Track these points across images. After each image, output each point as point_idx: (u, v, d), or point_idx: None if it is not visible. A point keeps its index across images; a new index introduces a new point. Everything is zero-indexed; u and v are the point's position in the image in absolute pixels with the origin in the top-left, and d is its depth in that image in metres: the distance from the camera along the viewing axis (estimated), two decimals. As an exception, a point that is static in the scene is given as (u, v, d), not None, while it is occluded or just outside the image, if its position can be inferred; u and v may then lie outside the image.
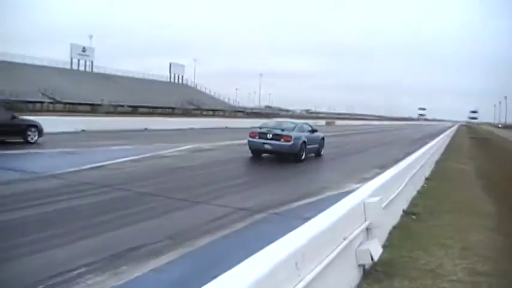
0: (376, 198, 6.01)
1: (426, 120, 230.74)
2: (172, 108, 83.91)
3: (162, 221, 7.81)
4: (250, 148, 17.86)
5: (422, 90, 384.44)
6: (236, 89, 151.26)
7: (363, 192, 6.28)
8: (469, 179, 16.40)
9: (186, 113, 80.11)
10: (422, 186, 12.82)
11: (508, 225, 9.75)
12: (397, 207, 8.48)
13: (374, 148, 27.95)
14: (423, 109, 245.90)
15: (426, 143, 21.40)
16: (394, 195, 7.99)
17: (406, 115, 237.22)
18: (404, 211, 9.11)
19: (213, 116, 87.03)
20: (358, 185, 9.69)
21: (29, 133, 18.98)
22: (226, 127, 42.29)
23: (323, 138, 20.47)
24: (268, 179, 13.01)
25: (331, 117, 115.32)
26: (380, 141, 36.17)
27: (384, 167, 13.97)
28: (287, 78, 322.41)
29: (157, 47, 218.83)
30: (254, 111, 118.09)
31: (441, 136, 33.05)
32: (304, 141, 17.53)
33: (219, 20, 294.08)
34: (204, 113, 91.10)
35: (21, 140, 18.56)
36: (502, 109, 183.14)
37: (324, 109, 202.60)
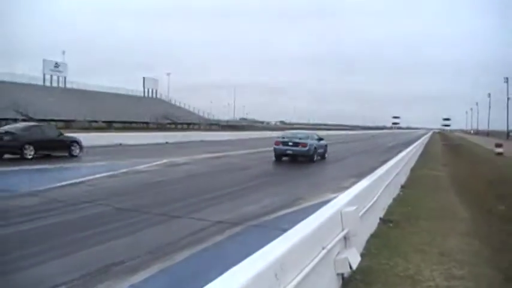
0: (353, 207, 6.07)
1: (400, 128, 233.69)
2: (147, 123, 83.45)
3: (140, 237, 7.75)
4: (275, 153, 22.66)
5: (396, 98, 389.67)
6: (211, 102, 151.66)
7: (340, 202, 6.34)
8: (444, 185, 16.67)
9: (160, 127, 79.74)
10: (398, 194, 12.99)
11: (482, 230, 9.96)
12: (374, 215, 8.56)
13: (350, 158, 28.20)
14: (397, 117, 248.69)
15: (401, 151, 21.68)
16: (370, 203, 8.07)
17: (380, 124, 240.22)
18: (381, 219, 9.22)
19: (188, 129, 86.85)
20: (335, 195, 9.75)
21: (73, 148, 22.12)
22: (201, 140, 42.15)
23: (326, 145, 25.46)
24: (246, 191, 12.99)
25: (305, 128, 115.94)
26: (355, 150, 36.51)
27: (360, 176, 14.07)
28: (261, 90, 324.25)
29: (131, 61, 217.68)
30: (229, 123, 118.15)
31: (415, 144, 33.53)
32: (315, 147, 22.87)
33: (192, 34, 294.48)
34: (179, 126, 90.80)
35: (66, 154, 21.58)
36: (474, 116, 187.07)
37: (298, 120, 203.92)
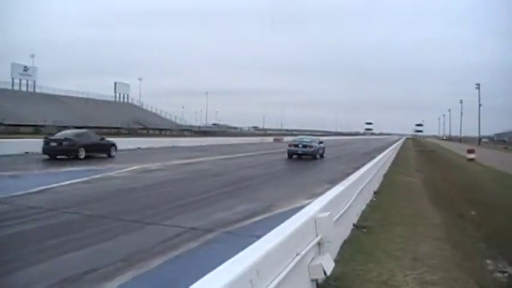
0: (326, 213, 6.13)
1: (373, 134, 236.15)
2: (118, 128, 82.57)
3: (113, 244, 7.66)
4: (288, 152, 30.59)
5: (368, 105, 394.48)
6: (183, 107, 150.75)
7: (314, 208, 6.38)
8: (417, 190, 16.96)
9: (132, 132, 79.05)
10: (372, 200, 13.14)
11: (454, 235, 10.18)
12: (347, 221, 8.65)
13: (323, 164, 28.37)
14: (370, 123, 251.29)
15: (374, 157, 21.95)
16: (344, 209, 8.16)
17: (353, 130, 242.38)
18: (354, 225, 9.32)
19: (159, 135, 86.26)
20: (308, 201, 9.81)
21: (111, 150, 27.17)
22: (173, 146, 41.93)
23: (324, 147, 33.65)
24: (219, 198, 12.96)
25: (279, 134, 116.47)
26: (327, 156, 36.76)
27: (333, 182, 14.21)
28: (234, 96, 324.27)
29: (102, 65, 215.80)
30: (202, 129, 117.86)
31: (388, 150, 33.95)
32: (317, 149, 31.07)
33: (164, 39, 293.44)
34: (151, 132, 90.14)
35: (106, 155, 26.39)
36: (447, 122, 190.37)
37: (271, 126, 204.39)
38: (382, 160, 21.91)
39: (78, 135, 25.70)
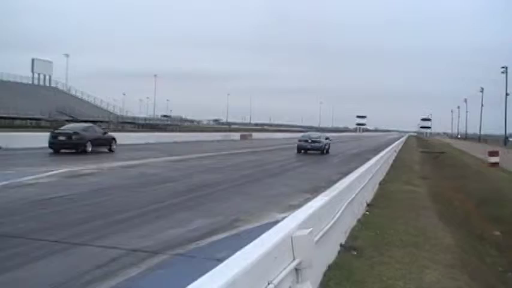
0: (306, 231, 6.18)
1: (367, 130, 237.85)
2: (37, 119, 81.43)
3: (28, 272, 7.57)
4: (298, 148, 41.52)
5: (361, 94, 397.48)
6: (124, 94, 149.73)
7: (290, 224, 6.39)
8: (423, 203, 17.14)
9: (56, 126, 77.94)
10: (364, 214, 13.28)
11: (471, 261, 10.25)
12: (333, 241, 8.74)
13: (301, 167, 28.59)
14: (362, 117, 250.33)
15: (368, 159, 22.18)
16: (328, 226, 8.22)
17: (341, 125, 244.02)
18: (342, 246, 9.41)
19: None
20: (283, 215, 9.91)
21: (112, 144, 34.32)
22: (111, 144, 41.66)
23: (330, 143, 44.91)
24: (169, 210, 12.95)
25: (246, 129, 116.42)
26: (308, 158, 36.97)
27: (315, 191, 14.34)
28: (190, 81, 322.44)
29: (16, 38, 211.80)
30: (149, 122, 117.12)
31: (386, 151, 34.32)
32: (325, 144, 42.33)
33: (100, 4, 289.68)
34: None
35: (106, 150, 33.38)
36: (462, 116, 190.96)
37: (237, 119, 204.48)
38: (378, 163, 22.16)
39: (85, 129, 32.65)
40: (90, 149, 31.00)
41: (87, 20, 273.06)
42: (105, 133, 34.76)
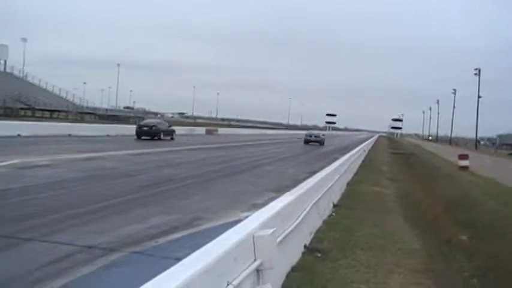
0: (268, 231, 6.17)
1: (337, 129, 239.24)
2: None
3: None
4: (304, 140, 66.48)
5: (331, 91, 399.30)
6: (84, 83, 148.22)
7: (252, 223, 6.40)
8: (390, 205, 17.35)
9: (10, 113, 76.92)
10: (330, 215, 13.36)
11: (437, 266, 10.37)
12: (297, 242, 8.76)
13: (267, 165, 28.60)
14: (332, 115, 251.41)
15: (335, 159, 22.31)
16: (292, 226, 8.25)
17: (310, 123, 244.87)
18: (306, 247, 9.44)
19: (50, 118, 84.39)
20: (246, 214, 9.91)
21: (173, 134, 48.73)
22: (69, 135, 41.23)
23: (325, 138, 70.21)
24: (128, 205, 12.87)
25: (212, 124, 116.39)
26: (275, 156, 37.12)
27: (280, 191, 14.37)
28: (154, 71, 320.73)
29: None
30: (110, 113, 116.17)
31: (354, 151, 34.58)
32: (322, 138, 68.67)
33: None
34: (38, 114, 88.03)
35: (169, 139, 46.89)
36: (433, 117, 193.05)
37: (203, 113, 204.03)
38: (346, 164, 22.31)
39: (159, 123, 49.31)
40: (162, 136, 45.86)
41: (48, 2, 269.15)
42: (169, 126, 50.15)
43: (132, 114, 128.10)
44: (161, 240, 9.56)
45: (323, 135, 72.30)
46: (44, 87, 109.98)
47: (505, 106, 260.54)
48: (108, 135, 46.59)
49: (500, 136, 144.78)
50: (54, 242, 8.89)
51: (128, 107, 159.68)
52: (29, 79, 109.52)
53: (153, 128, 46.20)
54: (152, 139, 44.09)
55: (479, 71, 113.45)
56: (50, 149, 26.39)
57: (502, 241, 14.20)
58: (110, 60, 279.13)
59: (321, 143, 66.21)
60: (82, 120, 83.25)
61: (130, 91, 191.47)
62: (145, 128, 46.23)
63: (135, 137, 44.92)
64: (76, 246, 8.66)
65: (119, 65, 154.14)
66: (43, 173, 17.56)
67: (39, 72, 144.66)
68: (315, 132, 77.83)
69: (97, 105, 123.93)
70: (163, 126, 48.35)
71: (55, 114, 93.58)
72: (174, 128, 50.89)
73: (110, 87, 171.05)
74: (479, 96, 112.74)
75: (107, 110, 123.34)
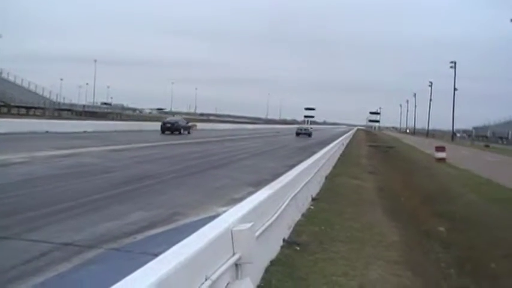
0: (247, 225, 6.15)
1: (315, 123, 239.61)
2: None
3: None
4: (296, 133, 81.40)
5: (309, 86, 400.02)
6: (61, 80, 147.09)
7: (230, 218, 6.37)
8: (369, 198, 17.42)
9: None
10: (309, 208, 13.38)
11: (415, 257, 10.45)
12: (275, 235, 8.75)
13: (246, 159, 28.63)
14: (311, 109, 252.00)
15: (314, 153, 22.33)
16: (271, 220, 8.25)
17: (289, 117, 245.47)
18: (285, 240, 9.45)
19: (26, 115, 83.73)
20: (225, 208, 9.87)
21: (190, 129, 60.73)
22: (47, 131, 40.90)
23: (312, 131, 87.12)
24: (106, 202, 12.78)
25: (191, 119, 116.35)
26: (254, 150, 37.15)
27: (258, 185, 14.35)
28: (132, 67, 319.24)
29: None
30: (88, 110, 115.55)
31: (333, 144, 34.69)
32: (310, 131, 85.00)
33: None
34: (14, 111, 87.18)
35: (187, 133, 57.66)
36: (411, 110, 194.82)
37: (182, 108, 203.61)
38: (325, 157, 22.35)
39: (180, 120, 60.62)
40: (182, 131, 55.74)
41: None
42: (187, 122, 61.68)
43: (109, 110, 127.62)
44: (139, 237, 9.51)
45: (311, 128, 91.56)
46: (20, 83, 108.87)
47: (481, 98, 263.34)
48: (85, 131, 46.26)
49: (476, 128, 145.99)
50: (30, 240, 8.80)
51: (105, 103, 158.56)
52: (4, 76, 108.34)
53: (175, 124, 56.93)
54: (172, 133, 54.06)
55: (455, 63, 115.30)
56: (26, 146, 26.14)
57: (478, 232, 14.37)
58: (87, 56, 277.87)
59: (309, 135, 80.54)
60: (59, 117, 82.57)
61: (108, 87, 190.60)
62: (168, 125, 56.51)
63: (160, 132, 54.69)
64: (53, 244, 8.57)
65: (95, 60, 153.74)
66: (19, 171, 17.40)
67: (14, 68, 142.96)
68: (305, 126, 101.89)
69: (74, 101, 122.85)
70: (183, 123, 59.40)
71: (32, 111, 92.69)
72: (190, 124, 63.42)
73: (87, 84, 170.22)
74: (455, 89, 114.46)
75: (84, 106, 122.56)
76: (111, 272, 6.58)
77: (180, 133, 54.53)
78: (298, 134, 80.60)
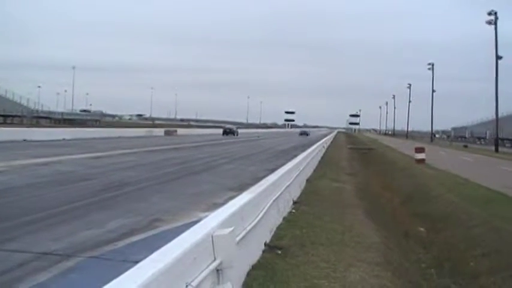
0: (227, 230, 6.13)
1: (295, 127, 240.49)
2: None
3: None
4: (299, 133, 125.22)
5: (289, 89, 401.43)
6: (39, 87, 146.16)
7: (211, 223, 6.35)
8: (349, 200, 17.42)
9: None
10: (290, 211, 13.36)
11: (396, 258, 10.47)
12: (257, 240, 8.72)
13: (227, 164, 28.62)
14: (291, 113, 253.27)
15: (295, 156, 22.36)
16: (252, 224, 8.22)
17: (269, 121, 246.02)
18: (267, 245, 9.41)
19: (4, 124, 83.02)
20: (206, 214, 9.83)
21: (236, 133, 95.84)
22: (24, 140, 40.57)
23: (310, 132, 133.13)
24: (85, 210, 12.69)
25: (171, 125, 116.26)
26: (234, 155, 37.13)
27: (240, 189, 14.33)
28: (111, 73, 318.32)
29: None
30: (66, 117, 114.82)
31: (313, 147, 34.76)
32: (308, 133, 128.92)
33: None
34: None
35: (234, 135, 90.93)
36: (390, 112, 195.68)
37: (162, 114, 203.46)
38: (306, 160, 22.39)
39: (233, 127, 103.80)
40: (236, 135, 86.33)
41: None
42: (237, 128, 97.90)
43: (88, 117, 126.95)
44: (120, 244, 9.46)
45: (309, 130, 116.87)
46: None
47: (459, 100, 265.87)
48: (63, 139, 45.93)
49: (454, 129, 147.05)
50: (7, 250, 8.71)
51: (84, 110, 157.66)
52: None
53: (232, 129, 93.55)
54: (227, 135, 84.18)
55: (433, 65, 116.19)
56: (3, 155, 25.87)
57: (457, 232, 14.48)
58: (65, 63, 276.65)
59: (308, 134, 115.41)
60: (37, 125, 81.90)
61: (87, 94, 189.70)
62: (227, 130, 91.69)
63: (222, 134, 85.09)
64: (31, 254, 8.49)
65: (74, 67, 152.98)
66: (-3, 180, 17.22)
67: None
68: (305, 129, 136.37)
69: (53, 109, 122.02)
70: (235, 129, 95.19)
71: (9, 120, 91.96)
72: (237, 129, 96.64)
73: (65, 91, 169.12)
74: (433, 91, 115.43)
75: (62, 113, 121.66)
76: (91, 280, 6.50)
77: (234, 136, 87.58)
78: (301, 134, 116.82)
